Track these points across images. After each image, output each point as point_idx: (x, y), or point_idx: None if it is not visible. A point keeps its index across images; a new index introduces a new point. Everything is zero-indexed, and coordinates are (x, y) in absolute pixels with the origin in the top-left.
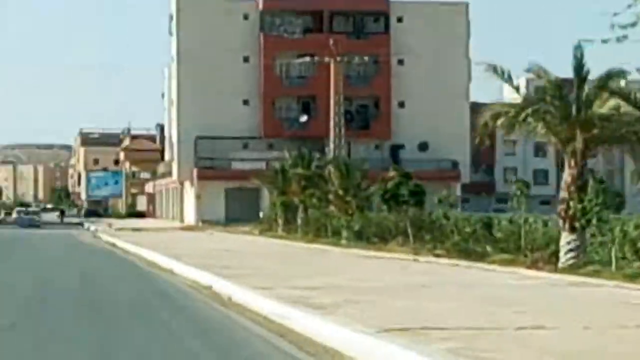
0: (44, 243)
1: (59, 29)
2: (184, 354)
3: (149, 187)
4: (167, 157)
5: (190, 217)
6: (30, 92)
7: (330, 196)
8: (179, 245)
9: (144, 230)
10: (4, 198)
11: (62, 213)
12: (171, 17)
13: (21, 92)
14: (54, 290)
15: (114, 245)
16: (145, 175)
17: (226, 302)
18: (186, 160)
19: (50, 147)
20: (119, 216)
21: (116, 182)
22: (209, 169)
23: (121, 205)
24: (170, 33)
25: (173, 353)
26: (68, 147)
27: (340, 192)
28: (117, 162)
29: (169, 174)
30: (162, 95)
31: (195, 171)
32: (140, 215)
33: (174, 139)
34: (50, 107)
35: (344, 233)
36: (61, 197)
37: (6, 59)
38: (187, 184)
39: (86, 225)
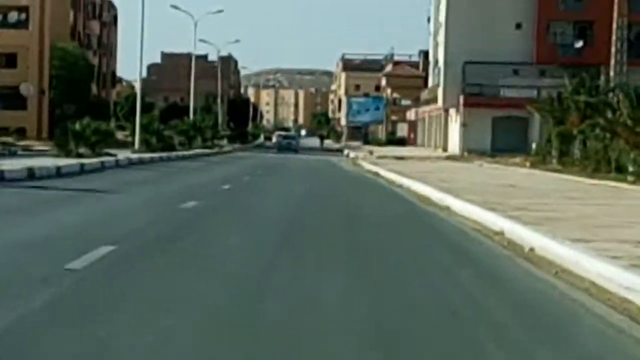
0: (301, 168)
1: None
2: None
3: (410, 114)
4: (430, 83)
5: (454, 146)
6: (292, 18)
7: (618, 127)
8: (450, 177)
9: (407, 159)
10: (264, 122)
11: (322, 138)
12: None
13: (285, 18)
14: (315, 223)
15: (376, 174)
16: (406, 102)
17: (528, 255)
18: (452, 86)
19: (311, 72)
20: (379, 143)
21: (377, 108)
22: (476, 96)
23: (381, 132)
24: None
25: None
26: (329, 73)
27: (629, 122)
28: (378, 88)
29: (432, 100)
30: (428, 20)
31: (461, 98)
32: (401, 142)
33: (441, 64)
34: (312, 33)
35: (630, 168)
36: (321, 122)
37: None
38: (452, 111)
39: (346, 151)
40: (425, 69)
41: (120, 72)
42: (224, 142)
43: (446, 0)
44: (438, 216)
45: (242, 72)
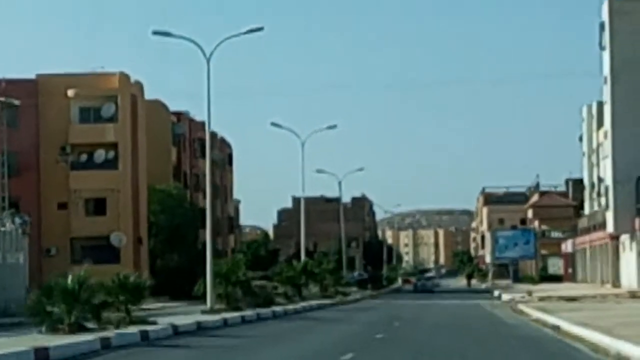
0: (444, 324)
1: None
2: None
3: (566, 246)
4: (587, 210)
5: (630, 279)
6: (425, 159)
7: None
8: None
9: (579, 300)
10: (403, 264)
11: (469, 277)
12: (602, 27)
13: (418, 158)
14: None
15: (556, 328)
16: (556, 234)
17: None
18: (624, 208)
19: (450, 212)
20: (532, 281)
21: (527, 242)
22: None
23: (530, 269)
24: (602, 47)
25: None
26: (468, 212)
27: None
28: (524, 221)
29: (595, 228)
30: (580, 139)
31: (637, 221)
32: (556, 279)
33: (608, 182)
34: (448, 172)
35: None
36: (463, 261)
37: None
38: (624, 237)
39: (496, 292)
40: (580, 196)
41: (244, 218)
42: (353, 288)
43: (610, 110)
44: None
45: (380, 216)
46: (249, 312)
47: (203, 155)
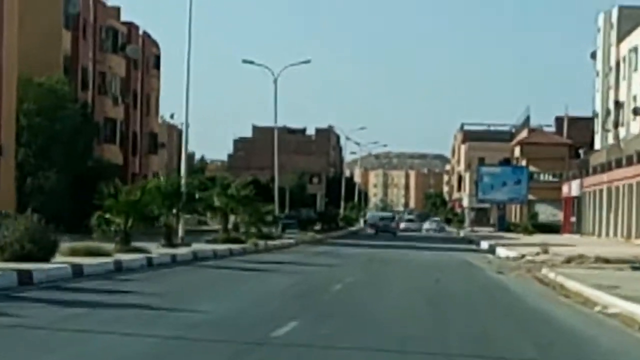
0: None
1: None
2: None
3: (569, 189)
4: (598, 144)
5: None
6: (399, 101)
7: None
8: None
9: (626, 264)
10: (371, 205)
11: (449, 221)
12: None
13: (391, 100)
14: None
15: None
16: (547, 177)
17: None
18: None
19: (423, 156)
20: (523, 230)
21: (517, 182)
22: None
23: (514, 215)
24: None
25: None
26: (441, 157)
27: None
28: (507, 161)
29: (618, 164)
30: (592, 55)
31: None
32: (550, 229)
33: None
34: (422, 115)
35: None
36: (436, 204)
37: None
38: None
39: (483, 244)
40: (576, 135)
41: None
42: (294, 230)
43: None
44: None
45: (350, 157)
46: None
47: (115, 50)
